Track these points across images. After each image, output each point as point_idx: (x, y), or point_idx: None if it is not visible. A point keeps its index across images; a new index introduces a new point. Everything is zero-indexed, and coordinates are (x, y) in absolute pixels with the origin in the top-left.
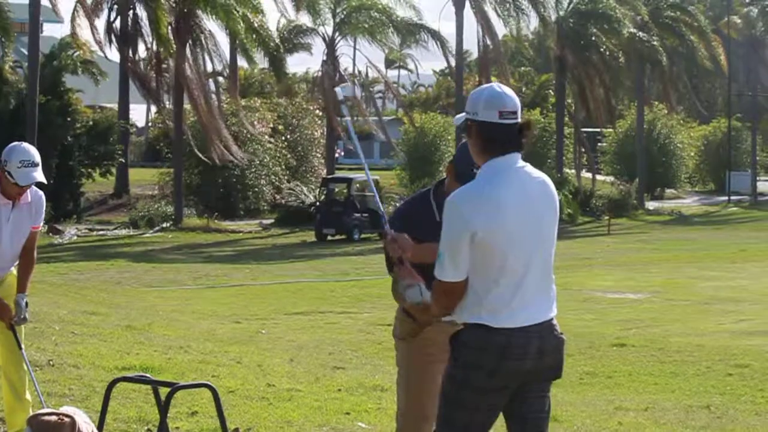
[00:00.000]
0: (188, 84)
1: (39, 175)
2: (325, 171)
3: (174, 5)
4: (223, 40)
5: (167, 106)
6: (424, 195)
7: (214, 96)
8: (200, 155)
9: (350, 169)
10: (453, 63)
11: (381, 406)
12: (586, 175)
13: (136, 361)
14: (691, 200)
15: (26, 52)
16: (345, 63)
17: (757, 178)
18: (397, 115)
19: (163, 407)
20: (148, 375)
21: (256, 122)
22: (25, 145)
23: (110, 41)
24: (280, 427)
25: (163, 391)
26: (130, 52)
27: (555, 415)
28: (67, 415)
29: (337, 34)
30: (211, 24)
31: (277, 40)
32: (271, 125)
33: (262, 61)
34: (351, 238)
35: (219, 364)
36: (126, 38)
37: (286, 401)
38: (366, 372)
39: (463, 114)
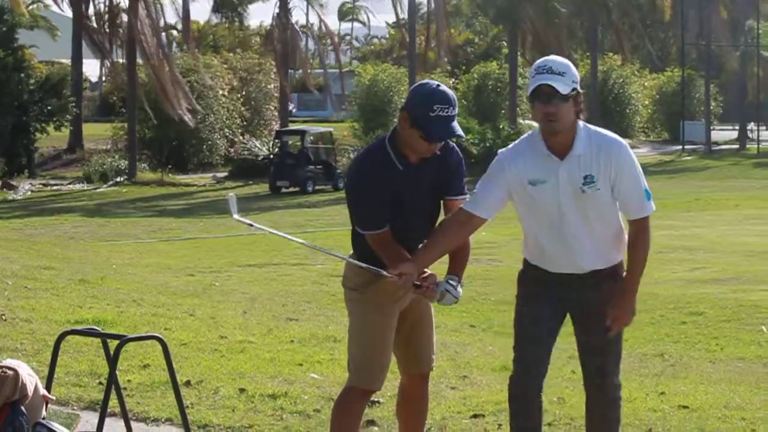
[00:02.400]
0: (143, 38)
1: None
2: (278, 124)
3: None
4: None
5: (120, 60)
6: (380, 145)
7: (168, 50)
8: (148, 111)
9: (304, 122)
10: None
11: (334, 356)
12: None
13: (89, 314)
14: (646, 150)
15: None
16: (297, 15)
17: (711, 128)
18: (350, 68)
19: (112, 360)
20: (97, 327)
21: (212, 78)
22: None
23: None
24: (232, 378)
25: (114, 344)
26: (83, 8)
27: (506, 365)
28: (10, 368)
29: None
30: None
31: None
32: (226, 83)
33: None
34: (305, 190)
35: (172, 317)
36: None
37: (238, 353)
38: (319, 323)
39: (551, 81)
